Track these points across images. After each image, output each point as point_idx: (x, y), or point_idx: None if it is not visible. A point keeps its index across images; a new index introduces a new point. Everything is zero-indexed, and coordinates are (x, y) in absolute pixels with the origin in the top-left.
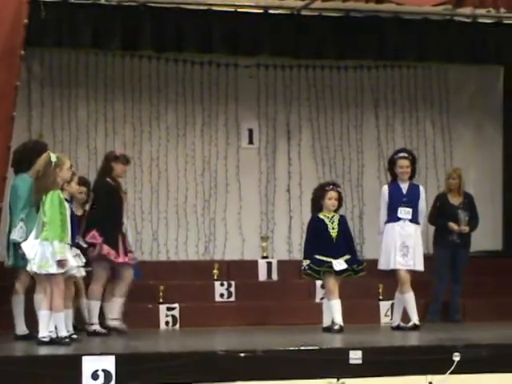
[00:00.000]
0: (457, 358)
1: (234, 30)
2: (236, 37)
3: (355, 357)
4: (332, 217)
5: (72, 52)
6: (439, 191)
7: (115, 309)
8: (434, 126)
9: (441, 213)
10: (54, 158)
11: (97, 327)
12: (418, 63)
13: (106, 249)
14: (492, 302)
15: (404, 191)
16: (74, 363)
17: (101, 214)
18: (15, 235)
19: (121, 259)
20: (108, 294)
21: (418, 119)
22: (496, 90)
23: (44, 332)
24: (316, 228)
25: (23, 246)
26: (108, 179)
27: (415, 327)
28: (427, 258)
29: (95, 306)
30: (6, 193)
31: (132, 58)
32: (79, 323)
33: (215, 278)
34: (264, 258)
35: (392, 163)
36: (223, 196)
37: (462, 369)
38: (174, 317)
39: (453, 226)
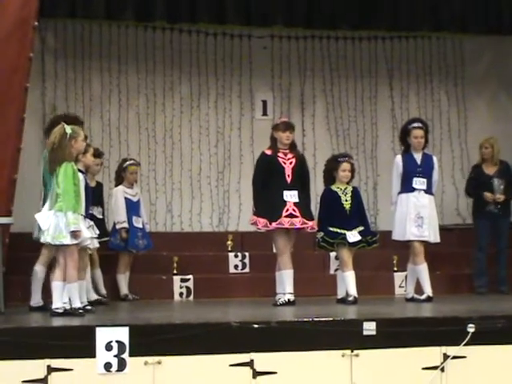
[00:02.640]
0: (471, 329)
1: (248, 0)
2: (249, 8)
3: (369, 328)
4: (345, 189)
5: (85, 23)
6: (453, 162)
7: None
8: (449, 96)
9: (476, 183)
10: (68, 129)
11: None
12: (433, 34)
13: None
14: None
15: (418, 161)
16: (88, 334)
17: None
18: None
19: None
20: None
21: (432, 90)
22: (511, 61)
23: (58, 303)
24: (329, 200)
25: (37, 216)
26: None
27: (429, 299)
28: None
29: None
30: (21, 164)
31: (145, 29)
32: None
33: (229, 249)
34: None
35: (405, 133)
36: (237, 167)
37: (476, 340)
38: (188, 288)
39: (487, 195)
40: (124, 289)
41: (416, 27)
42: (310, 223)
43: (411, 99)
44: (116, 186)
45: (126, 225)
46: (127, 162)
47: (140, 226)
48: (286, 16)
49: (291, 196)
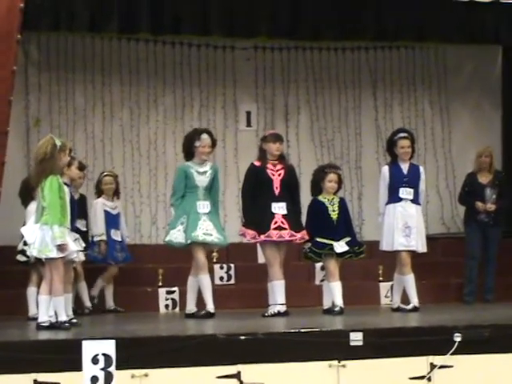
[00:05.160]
0: (458, 338)
1: (231, 11)
2: (233, 19)
3: (356, 338)
4: (332, 199)
5: (69, 36)
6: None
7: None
8: (433, 106)
9: (469, 192)
10: (58, 142)
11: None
12: (416, 43)
13: None
14: None
15: (405, 171)
16: (74, 348)
17: None
18: None
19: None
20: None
21: (416, 100)
22: (494, 70)
23: (44, 317)
24: (316, 211)
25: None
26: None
27: (415, 309)
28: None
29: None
30: (5, 177)
31: (129, 41)
32: (79, 307)
33: (215, 260)
34: None
35: (392, 144)
36: (222, 178)
37: (463, 350)
38: (173, 300)
39: (479, 204)
40: (111, 301)
41: (399, 37)
42: (299, 235)
43: (395, 109)
44: (96, 198)
45: (104, 237)
46: (102, 174)
47: (119, 238)
48: (270, 27)
49: (279, 208)
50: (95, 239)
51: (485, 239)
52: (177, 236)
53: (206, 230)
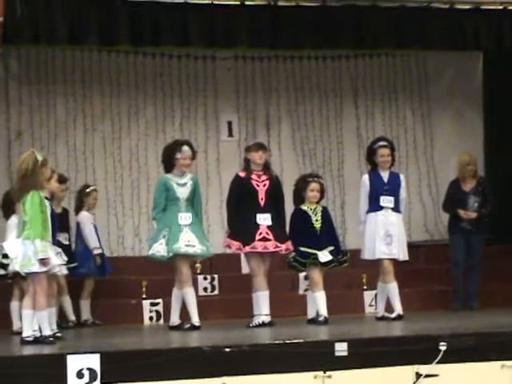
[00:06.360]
0: (443, 347)
1: (211, 22)
2: (213, 29)
3: (341, 349)
4: (315, 208)
5: (48, 49)
6: (420, 179)
7: None
8: (414, 113)
9: (452, 199)
10: (39, 156)
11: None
12: (397, 51)
13: None
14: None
15: (385, 180)
16: (59, 362)
17: None
18: None
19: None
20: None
21: (397, 107)
22: (475, 76)
23: (28, 331)
24: (300, 220)
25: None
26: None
27: (399, 317)
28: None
29: None
30: None
31: (109, 53)
32: (63, 321)
33: (198, 271)
34: None
35: (371, 152)
36: (204, 189)
37: (448, 358)
38: (157, 312)
39: (461, 212)
40: (86, 314)
41: (379, 45)
42: (284, 246)
43: (376, 117)
44: (77, 211)
45: (100, 250)
46: (90, 188)
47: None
48: (250, 37)
49: (264, 219)
50: (94, 252)
51: (468, 246)
52: (159, 249)
53: (187, 242)
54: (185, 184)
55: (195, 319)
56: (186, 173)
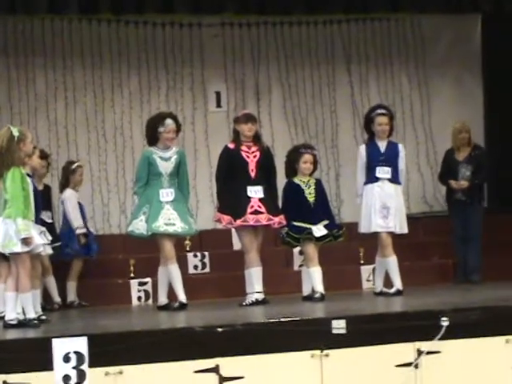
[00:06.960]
0: (445, 322)
1: None
2: None
3: (339, 326)
4: (308, 181)
5: (26, 19)
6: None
7: None
8: (411, 80)
9: (447, 170)
10: (15, 132)
11: None
12: (391, 15)
13: None
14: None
15: (382, 150)
16: (44, 346)
17: None
18: None
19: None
20: None
21: (392, 74)
22: (474, 40)
23: (11, 314)
24: (292, 193)
25: None
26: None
27: (398, 292)
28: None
29: None
30: None
31: (90, 22)
32: (48, 303)
33: (188, 249)
34: None
35: (369, 121)
36: (192, 163)
37: (451, 334)
38: (146, 292)
39: (452, 182)
40: (73, 295)
41: (372, 9)
42: (277, 219)
43: (371, 84)
44: (61, 189)
45: (84, 230)
46: (76, 164)
47: (91, 229)
48: (237, 2)
49: (256, 192)
50: (77, 232)
51: (465, 218)
52: (138, 227)
53: (168, 220)
54: (169, 158)
55: (182, 297)
56: (172, 147)
